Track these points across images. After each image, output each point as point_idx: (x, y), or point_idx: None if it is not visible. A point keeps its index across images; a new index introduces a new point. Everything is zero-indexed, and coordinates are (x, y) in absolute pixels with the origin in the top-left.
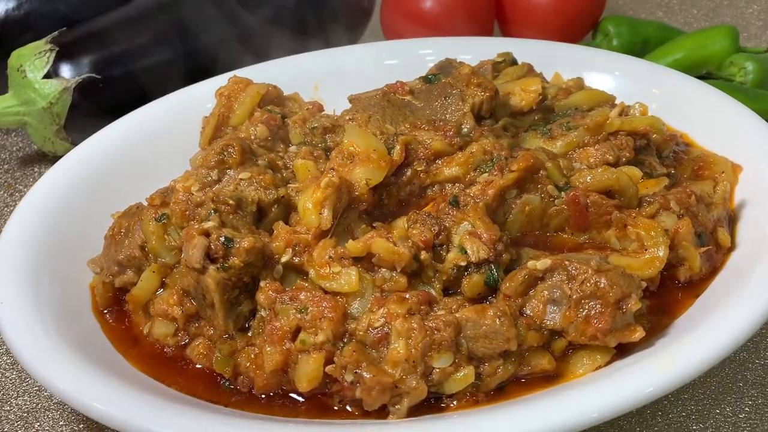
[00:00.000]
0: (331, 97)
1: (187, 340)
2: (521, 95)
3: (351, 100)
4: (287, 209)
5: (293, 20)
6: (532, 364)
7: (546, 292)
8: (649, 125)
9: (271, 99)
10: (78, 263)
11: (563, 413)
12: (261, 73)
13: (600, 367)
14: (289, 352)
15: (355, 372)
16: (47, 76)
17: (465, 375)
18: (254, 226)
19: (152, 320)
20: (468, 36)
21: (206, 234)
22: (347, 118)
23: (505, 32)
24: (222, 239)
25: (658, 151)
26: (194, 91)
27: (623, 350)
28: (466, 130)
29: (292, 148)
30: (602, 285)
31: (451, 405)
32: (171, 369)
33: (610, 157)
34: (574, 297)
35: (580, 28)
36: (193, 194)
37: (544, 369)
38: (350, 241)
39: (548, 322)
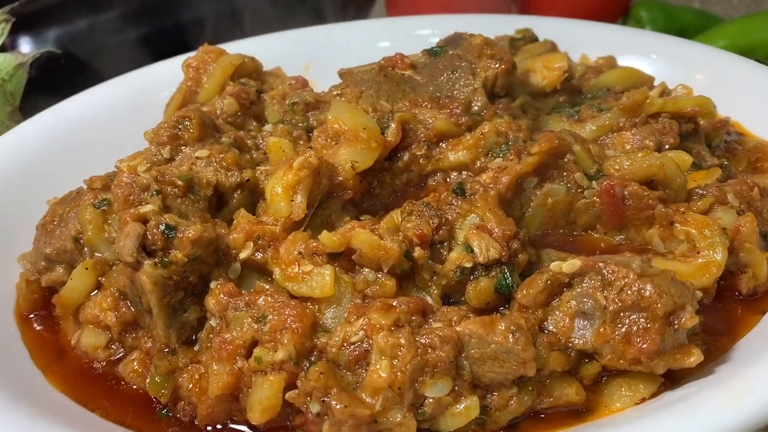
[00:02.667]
0: (326, 79)
1: (121, 354)
2: (543, 73)
3: (341, 74)
4: (254, 197)
5: None
6: (555, 395)
7: (574, 303)
8: (698, 106)
9: (248, 72)
10: (8, 258)
11: None
12: (244, 51)
13: (644, 400)
14: (242, 372)
15: (323, 400)
16: (2, 49)
17: (467, 407)
18: (210, 214)
19: (81, 328)
20: None
21: (143, 220)
22: (335, 93)
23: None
24: (162, 227)
25: (707, 139)
26: (162, 68)
27: (673, 379)
28: (476, 108)
29: (267, 127)
30: (648, 293)
31: None
32: (98, 389)
33: (651, 144)
34: (610, 309)
35: (608, 12)
36: (139, 176)
37: (570, 401)
38: (324, 232)
39: (576, 341)
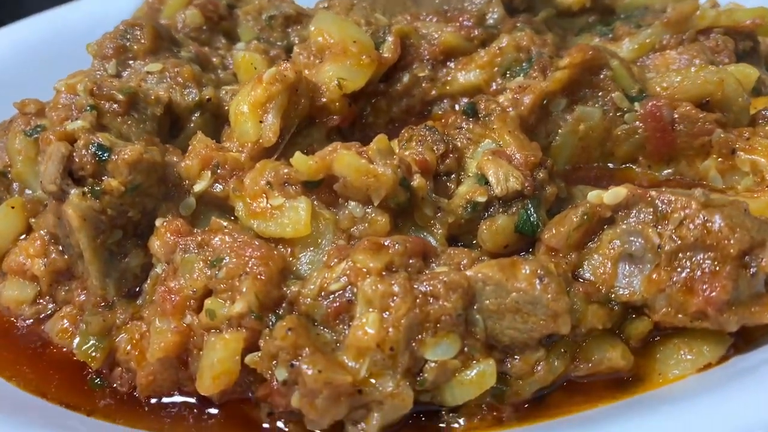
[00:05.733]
0: None
1: (51, 310)
2: None
3: None
4: (218, 121)
5: None
6: (595, 360)
7: (618, 243)
8: (759, 18)
9: None
10: None
11: None
12: None
13: (709, 366)
14: (191, 329)
15: (292, 365)
16: None
17: (480, 374)
18: (162, 139)
19: (4, 279)
20: None
21: (71, 140)
22: (321, 6)
23: None
24: (93, 147)
25: (766, 61)
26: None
27: (747, 339)
28: (492, 21)
29: (239, 45)
30: (716, 226)
31: (456, 425)
32: (20, 353)
33: (702, 64)
34: (666, 248)
35: None
36: (79, 96)
37: (614, 367)
38: (298, 154)
39: (621, 291)
